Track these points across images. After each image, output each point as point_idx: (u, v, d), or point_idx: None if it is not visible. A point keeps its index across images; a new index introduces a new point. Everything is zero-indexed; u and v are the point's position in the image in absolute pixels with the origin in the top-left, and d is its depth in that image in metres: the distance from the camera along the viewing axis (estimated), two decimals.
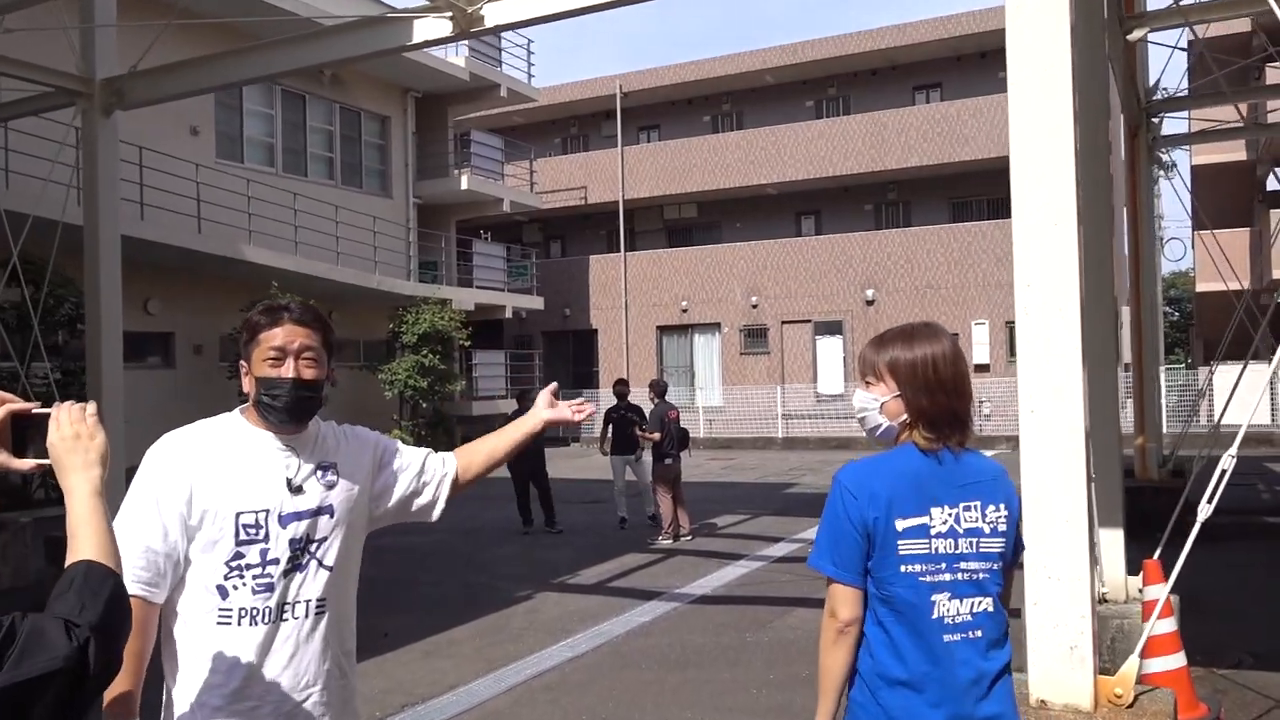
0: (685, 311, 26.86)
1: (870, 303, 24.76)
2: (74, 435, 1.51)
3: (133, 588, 1.82)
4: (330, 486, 2.11)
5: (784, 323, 25.73)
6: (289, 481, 2.06)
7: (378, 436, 2.30)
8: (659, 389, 11.62)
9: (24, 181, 11.02)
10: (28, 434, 1.55)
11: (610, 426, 11.89)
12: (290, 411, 2.04)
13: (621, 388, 12.13)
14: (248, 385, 2.08)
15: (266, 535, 2.01)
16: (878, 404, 2.20)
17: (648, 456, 11.77)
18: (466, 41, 22.81)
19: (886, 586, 2.07)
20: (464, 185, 22.52)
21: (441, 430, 21.35)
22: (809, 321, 25.46)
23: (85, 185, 8.28)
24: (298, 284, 17.40)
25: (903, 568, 2.05)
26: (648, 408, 11.77)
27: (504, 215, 25.94)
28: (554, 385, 2.52)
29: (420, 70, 21.31)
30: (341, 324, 20.36)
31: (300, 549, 2.04)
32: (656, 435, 11.08)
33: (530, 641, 6.75)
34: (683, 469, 11.35)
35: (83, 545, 1.42)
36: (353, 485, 2.16)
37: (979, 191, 25.92)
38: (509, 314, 24.56)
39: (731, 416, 25.64)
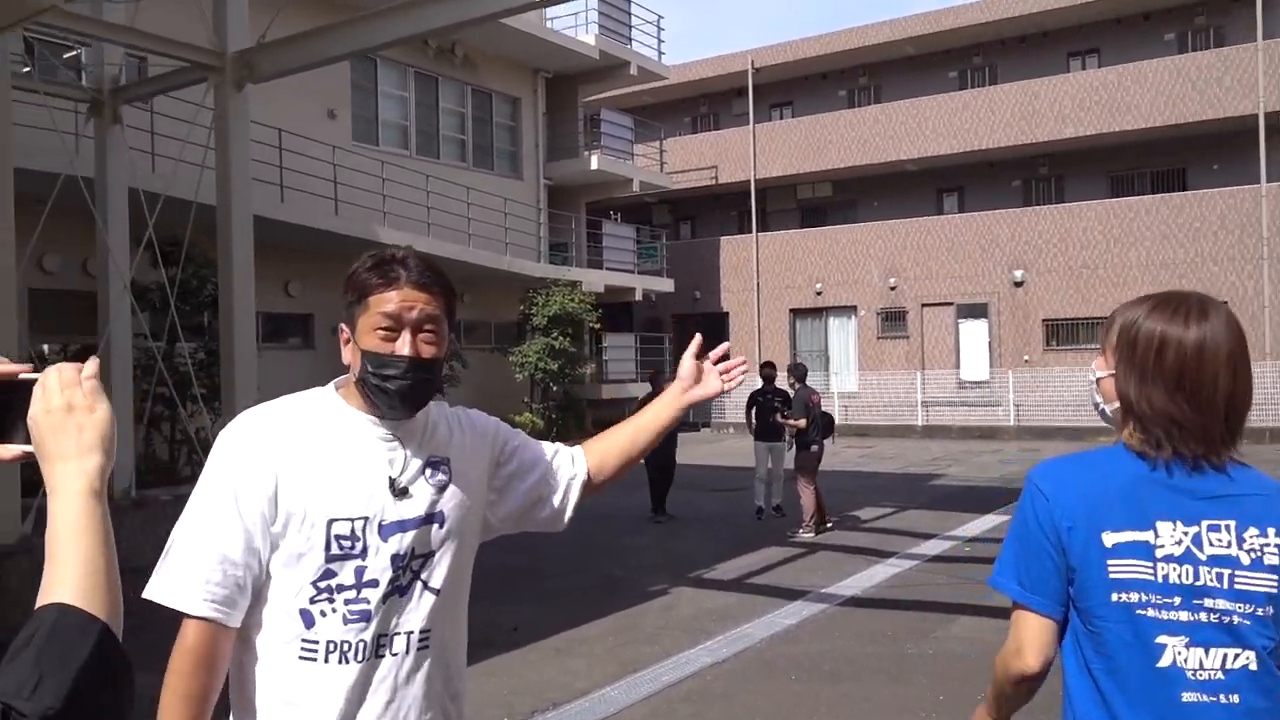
0: (819, 294, 25.92)
1: (1018, 284, 23.29)
2: (64, 407, 1.04)
3: (204, 608, 1.50)
4: (441, 488, 1.68)
5: (924, 305, 24.50)
6: (393, 482, 1.63)
7: (497, 425, 1.87)
8: (799, 373, 10.94)
9: (162, 163, 11.17)
10: (12, 408, 1.07)
11: (754, 410, 11.30)
12: (404, 397, 1.61)
13: (769, 370, 11.52)
14: (349, 356, 1.66)
15: (364, 550, 1.59)
16: (1094, 379, 1.70)
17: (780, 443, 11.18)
18: (596, 20, 22.53)
19: (1094, 620, 1.52)
20: (594, 165, 22.21)
21: (572, 414, 21.17)
22: (951, 304, 24.16)
23: (218, 161, 8.19)
24: None
25: (1115, 596, 1.50)
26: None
27: (633, 196, 25.55)
28: (698, 339, 1.98)
29: (550, 50, 21.08)
30: (473, 306, 20.39)
31: (403, 568, 1.62)
32: (802, 421, 10.44)
33: (666, 643, 6.26)
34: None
35: (60, 576, 0.95)
36: (468, 487, 1.73)
37: (1140, 164, 24.05)
38: (639, 296, 24.18)
39: (867, 403, 24.62)
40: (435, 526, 1.65)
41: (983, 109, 24.48)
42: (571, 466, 1.89)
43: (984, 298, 23.76)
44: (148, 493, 12.39)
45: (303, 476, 1.58)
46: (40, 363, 1.12)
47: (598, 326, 21.19)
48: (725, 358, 1.98)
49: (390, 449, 1.64)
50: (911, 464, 17.27)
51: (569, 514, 1.88)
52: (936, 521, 10.78)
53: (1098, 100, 23.14)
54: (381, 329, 1.59)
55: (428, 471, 1.67)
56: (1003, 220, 23.74)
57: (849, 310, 25.69)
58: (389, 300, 1.59)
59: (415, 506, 1.63)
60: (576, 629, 6.58)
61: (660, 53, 24.34)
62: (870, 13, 66.55)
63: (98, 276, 9.79)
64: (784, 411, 10.78)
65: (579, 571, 8.53)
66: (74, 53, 10.60)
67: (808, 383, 10.94)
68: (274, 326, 17.12)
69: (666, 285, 25.02)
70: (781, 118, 28.88)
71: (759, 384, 11.47)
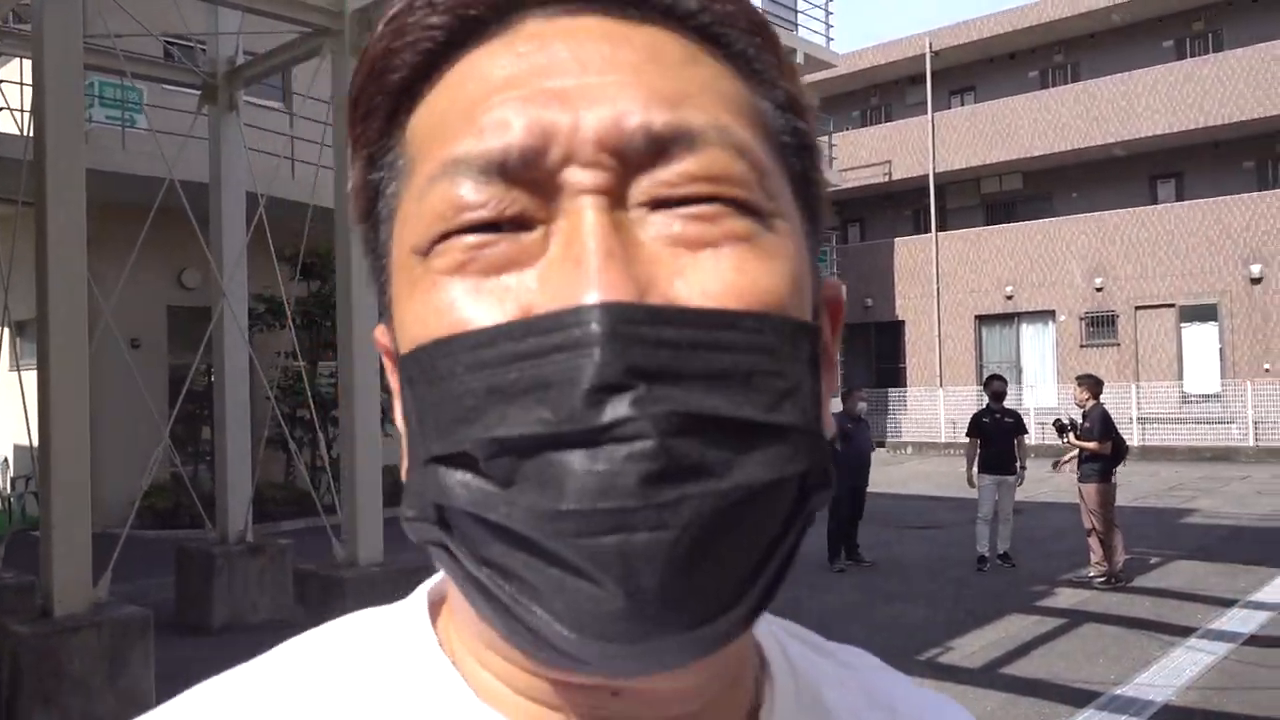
0: (1010, 298, 23.21)
1: (1257, 280, 19.99)
2: None
3: None
4: None
5: (1137, 308, 21.44)
6: None
7: None
8: (1096, 387, 8.72)
9: (282, 164, 10.11)
10: None
11: (980, 438, 9.18)
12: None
13: (998, 384, 9.40)
14: None
15: None
16: None
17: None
18: (759, 3, 20.77)
19: None
20: None
21: None
22: (1172, 306, 21.03)
23: (336, 145, 6.87)
24: None
25: None
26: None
27: None
28: None
29: None
30: None
31: None
32: (1108, 446, 8.41)
33: None
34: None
35: None
36: None
37: None
38: None
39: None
40: None
41: (1209, 80, 21.25)
42: None
43: (1213, 297, 20.54)
44: (276, 526, 11.40)
45: None
46: None
47: None
48: None
49: None
50: (1145, 493, 14.59)
51: None
52: (1224, 579, 8.41)
53: None
54: None
55: None
56: (1235, 207, 20.47)
57: (1046, 315, 22.88)
58: None
59: None
60: None
61: (829, 39, 22.35)
62: None
63: (211, 289, 8.69)
64: (1077, 432, 8.66)
65: None
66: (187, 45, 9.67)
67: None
68: None
69: None
70: (963, 104, 26.27)
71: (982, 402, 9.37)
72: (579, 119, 0.37)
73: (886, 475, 17.90)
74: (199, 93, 8.24)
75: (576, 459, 0.33)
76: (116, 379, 10.62)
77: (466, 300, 0.37)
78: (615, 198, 0.37)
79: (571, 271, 0.35)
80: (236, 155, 8.06)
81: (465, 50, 0.40)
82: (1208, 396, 20.46)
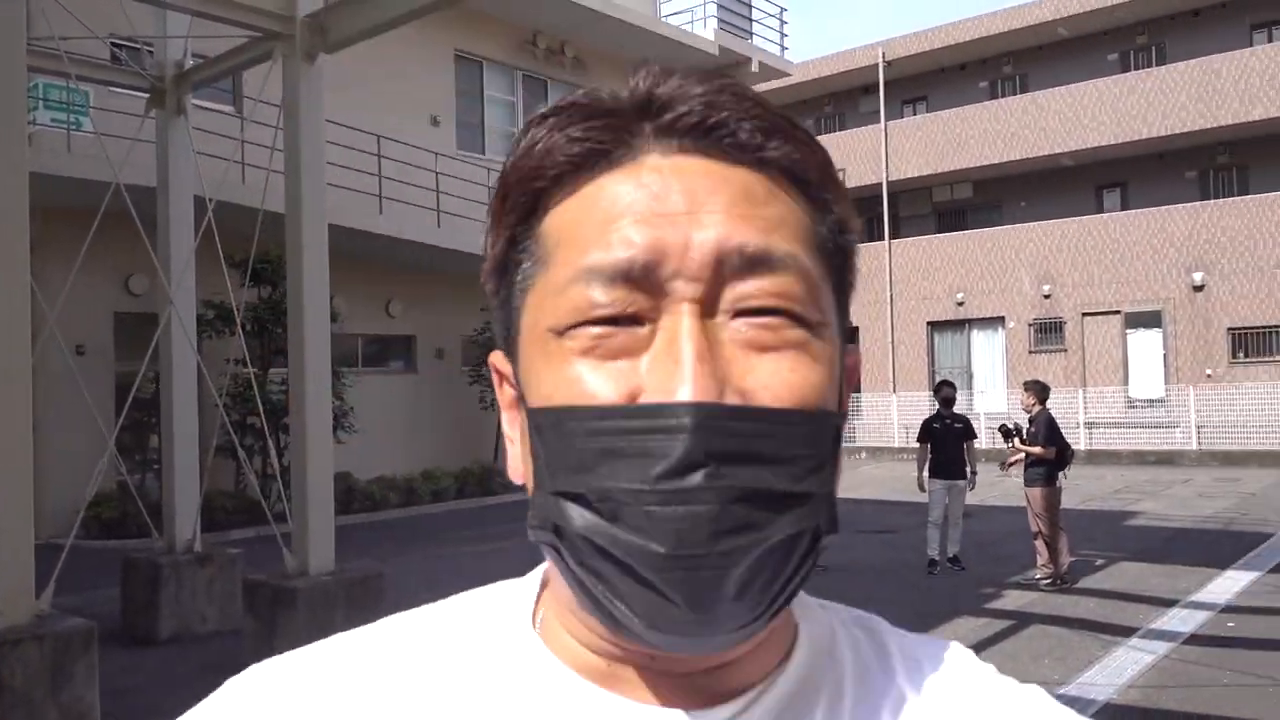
0: (961, 304, 23.59)
1: (1198, 288, 20.53)
2: None
3: None
4: None
5: (1084, 314, 21.92)
6: None
7: None
8: (1042, 393, 8.91)
9: (231, 167, 9.99)
10: None
11: (930, 444, 9.31)
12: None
13: (948, 391, 9.53)
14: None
15: None
16: None
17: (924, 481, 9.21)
18: (715, 14, 20.89)
19: None
20: None
21: None
22: (1117, 313, 21.52)
23: (287, 151, 6.80)
24: None
25: None
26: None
27: None
28: None
29: (666, 47, 19.53)
30: None
31: None
32: (1053, 451, 8.63)
33: None
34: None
35: None
36: None
37: None
38: None
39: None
40: None
41: (1152, 93, 21.81)
42: None
43: (1157, 305, 21.06)
44: (225, 535, 11.23)
45: None
46: None
47: None
48: None
49: None
50: (1090, 496, 14.89)
51: None
52: (1166, 580, 8.61)
53: None
54: None
55: None
56: (1178, 216, 21.01)
57: (996, 322, 23.29)
58: None
59: None
60: None
61: (783, 48, 22.56)
62: None
63: (158, 295, 8.56)
64: (1022, 437, 8.82)
65: None
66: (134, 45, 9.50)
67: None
68: (374, 349, 15.97)
69: None
70: (915, 114, 26.67)
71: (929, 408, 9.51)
72: (688, 240, 0.49)
73: (843, 480, 18.03)
74: (146, 95, 8.11)
75: (664, 514, 0.46)
76: (61, 386, 10.42)
77: (591, 377, 0.49)
78: (707, 305, 0.49)
79: (671, 368, 0.48)
80: (185, 159, 7.95)
81: (594, 173, 0.52)
82: (1152, 401, 20.94)
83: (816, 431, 0.50)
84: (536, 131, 0.53)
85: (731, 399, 0.48)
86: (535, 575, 0.62)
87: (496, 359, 0.59)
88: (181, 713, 0.57)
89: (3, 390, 5.34)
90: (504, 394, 0.58)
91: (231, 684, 0.59)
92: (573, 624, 0.55)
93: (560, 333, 0.50)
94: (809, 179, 0.54)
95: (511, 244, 0.55)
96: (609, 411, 0.48)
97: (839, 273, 0.55)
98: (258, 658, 0.61)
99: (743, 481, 0.46)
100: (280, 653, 0.61)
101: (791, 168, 0.53)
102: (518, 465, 0.56)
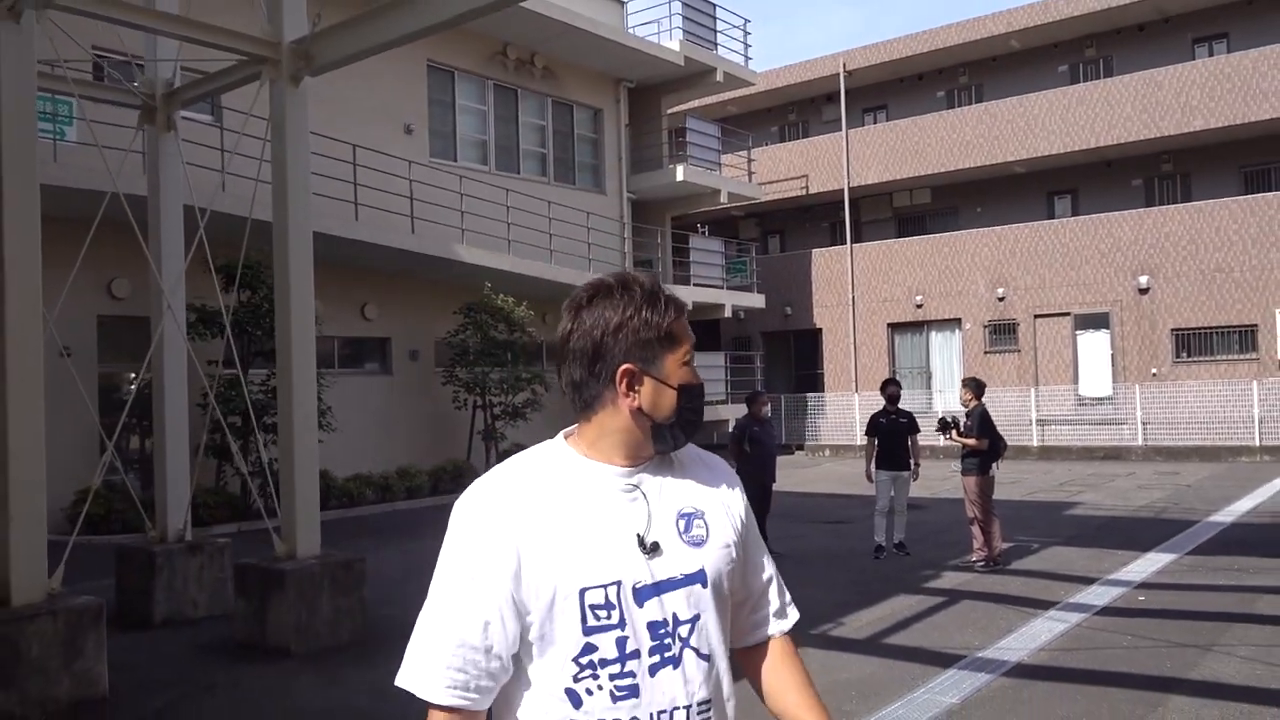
0: (920, 307, 24.37)
1: (1144, 291, 21.42)
2: None
3: (447, 696, 1.36)
4: (698, 543, 1.47)
5: (1037, 316, 22.77)
6: (640, 539, 1.41)
7: (740, 486, 1.62)
8: (978, 389, 9.69)
9: (219, 178, 10.45)
10: None
11: (877, 438, 9.99)
12: (700, 424, 1.51)
13: (894, 389, 10.22)
14: (642, 402, 1.45)
15: (621, 619, 1.38)
16: None
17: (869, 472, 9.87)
18: (680, 26, 21.53)
19: None
20: (679, 177, 21.16)
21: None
22: (1068, 314, 22.38)
23: (274, 168, 7.34)
24: (511, 284, 16.57)
25: None
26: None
27: (720, 209, 24.46)
28: None
29: (633, 58, 20.17)
30: (555, 325, 19.45)
31: (669, 635, 1.41)
32: (985, 442, 9.38)
33: None
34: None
35: None
36: (727, 539, 1.51)
37: (1278, 156, 21.99)
38: (728, 313, 22.98)
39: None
40: (697, 586, 1.44)
41: (1099, 103, 22.71)
42: (778, 600, 1.70)
43: (1104, 307, 21.94)
44: (208, 530, 11.69)
45: (548, 546, 1.37)
46: None
47: None
48: None
49: (631, 499, 1.44)
50: (1036, 489, 15.66)
51: (753, 640, 1.68)
52: (1091, 561, 9.33)
53: (1230, 89, 21.23)
54: (687, 362, 1.50)
55: (680, 524, 1.46)
56: (1124, 222, 21.91)
57: (953, 323, 24.09)
58: (687, 331, 1.52)
59: (670, 564, 1.42)
60: None
61: (747, 58, 23.25)
62: (967, 8, 63.53)
63: (141, 299, 9.04)
64: (959, 429, 9.52)
65: None
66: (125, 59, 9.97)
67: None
68: (351, 351, 16.44)
69: (757, 301, 23.80)
70: (875, 122, 27.47)
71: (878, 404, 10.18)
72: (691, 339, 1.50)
73: (804, 475, 18.75)
74: (137, 109, 8.59)
75: (701, 391, 1.56)
76: (47, 387, 10.81)
77: (693, 377, 1.48)
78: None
79: (698, 375, 1.51)
80: (175, 173, 8.43)
81: (678, 321, 1.49)
82: (1100, 399, 21.80)
83: None
84: (661, 310, 1.50)
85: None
86: (563, 432, 1.49)
87: (628, 379, 1.48)
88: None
89: (18, 390, 5.85)
90: (631, 393, 1.48)
91: (465, 499, 1.43)
92: (586, 446, 1.45)
93: (682, 365, 1.54)
94: None
95: (659, 343, 1.49)
96: (697, 386, 1.55)
97: None
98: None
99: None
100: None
101: None
102: (638, 407, 1.46)
